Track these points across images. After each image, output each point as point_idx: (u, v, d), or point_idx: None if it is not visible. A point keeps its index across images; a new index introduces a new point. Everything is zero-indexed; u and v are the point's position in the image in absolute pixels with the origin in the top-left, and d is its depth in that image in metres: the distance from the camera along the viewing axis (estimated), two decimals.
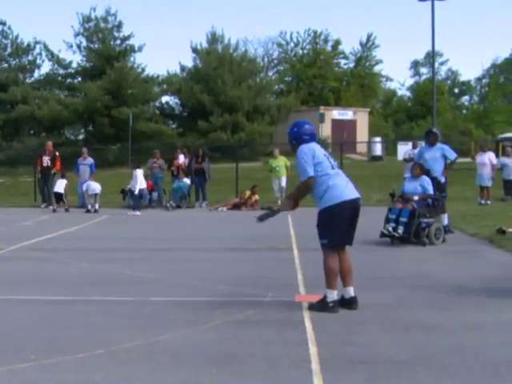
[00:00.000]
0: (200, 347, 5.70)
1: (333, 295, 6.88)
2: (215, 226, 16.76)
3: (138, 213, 19.92)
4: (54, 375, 5.01)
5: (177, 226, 16.93)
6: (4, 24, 47.80)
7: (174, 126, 49.77)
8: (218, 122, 44.16)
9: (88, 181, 21.59)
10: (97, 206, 20.90)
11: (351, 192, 6.98)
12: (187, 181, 22.10)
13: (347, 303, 6.98)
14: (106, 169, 29.38)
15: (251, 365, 5.23)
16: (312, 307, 6.96)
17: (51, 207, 21.35)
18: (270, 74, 61.54)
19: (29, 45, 48.35)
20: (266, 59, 63.35)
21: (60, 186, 21.38)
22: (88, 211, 20.68)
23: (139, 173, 20.77)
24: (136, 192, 20.58)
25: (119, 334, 6.10)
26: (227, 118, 44.28)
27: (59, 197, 21.19)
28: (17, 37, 48.06)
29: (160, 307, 7.29)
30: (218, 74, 45.68)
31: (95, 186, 21.24)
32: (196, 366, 5.20)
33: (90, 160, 22.62)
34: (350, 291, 7.01)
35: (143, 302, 7.51)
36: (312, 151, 6.90)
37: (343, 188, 6.90)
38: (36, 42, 48.44)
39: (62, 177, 21.85)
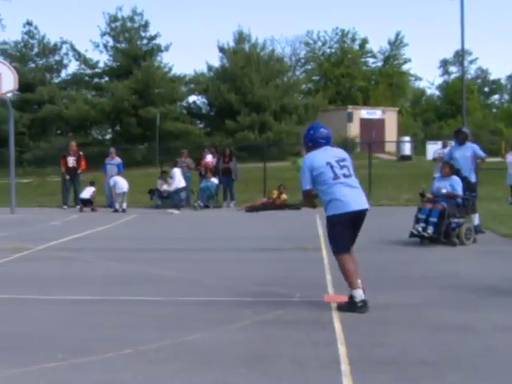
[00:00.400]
0: (229, 347, 5.67)
1: (360, 294, 6.86)
2: (243, 225, 16.73)
3: (176, 211, 20.02)
4: (83, 375, 5.01)
5: (204, 226, 16.93)
6: (31, 24, 48.28)
7: (201, 125, 49.86)
8: (246, 122, 44.18)
9: (115, 175, 21.61)
10: (124, 206, 20.95)
11: (356, 203, 7.00)
12: (215, 180, 22.10)
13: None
14: (134, 168, 29.49)
15: (280, 365, 5.19)
16: (341, 308, 6.95)
17: (78, 207, 21.45)
18: (298, 73, 61.45)
19: (55, 45, 48.82)
20: (293, 58, 63.29)
21: (87, 193, 21.45)
22: (116, 211, 20.75)
23: (177, 172, 20.88)
24: (172, 189, 20.75)
25: (147, 334, 6.09)
26: (255, 118, 44.28)
27: (86, 202, 21.27)
28: (43, 37, 48.62)
29: (188, 307, 7.27)
30: (245, 73, 45.71)
31: (123, 184, 21.21)
32: (225, 366, 5.18)
33: (118, 160, 22.63)
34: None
35: (171, 302, 7.50)
36: (311, 163, 7.05)
37: (347, 199, 6.94)
38: (63, 42, 49.00)
39: (91, 184, 21.88)
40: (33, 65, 48.15)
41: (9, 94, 21.59)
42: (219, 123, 45.28)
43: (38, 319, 6.82)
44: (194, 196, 22.62)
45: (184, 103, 49.67)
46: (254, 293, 7.85)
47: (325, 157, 7.05)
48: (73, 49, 48.30)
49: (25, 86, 36.96)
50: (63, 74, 49.85)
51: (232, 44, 49.10)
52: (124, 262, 10.44)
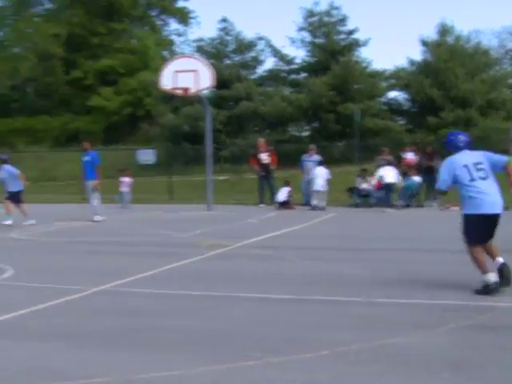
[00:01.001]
0: (431, 351, 5.46)
1: (490, 278, 7.52)
2: (444, 225, 16.15)
3: (391, 210, 19.87)
4: (282, 374, 5.00)
5: (404, 226, 16.55)
6: (226, 21, 49.13)
7: (402, 122, 48.85)
8: (450, 118, 42.65)
9: (316, 167, 21.60)
10: (323, 203, 20.90)
11: (489, 207, 7.63)
12: (417, 179, 21.58)
13: (499, 270, 7.66)
14: (332, 166, 29.47)
15: (486, 371, 4.94)
16: (478, 291, 7.52)
17: (275, 204, 21.64)
18: (506, 66, 58.52)
19: (251, 41, 49.25)
20: (500, 50, 60.38)
21: (282, 195, 21.51)
22: (313, 209, 20.74)
23: (391, 170, 20.73)
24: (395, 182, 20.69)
25: (345, 335, 6.00)
26: (459, 113, 42.66)
27: (283, 204, 21.37)
28: (239, 33, 49.15)
29: (387, 308, 7.10)
30: (448, 67, 44.19)
31: (320, 182, 21.14)
32: (427, 370, 4.99)
33: (316, 157, 22.66)
34: (499, 260, 7.75)
35: (369, 303, 7.34)
36: (450, 165, 7.89)
37: (479, 202, 7.64)
38: (259, 38, 49.25)
39: (286, 184, 21.98)
40: (228, 61, 48.67)
41: (205, 91, 22.18)
42: (421, 119, 44.12)
43: (236, 317, 6.89)
44: (395, 195, 22.21)
45: (384, 99, 48.85)
46: (458, 296, 7.51)
47: (463, 160, 7.83)
48: (269, 45, 48.75)
49: (221, 82, 37.03)
50: (259, 70, 50.17)
51: (435, 37, 47.74)
52: (322, 261, 10.41)
